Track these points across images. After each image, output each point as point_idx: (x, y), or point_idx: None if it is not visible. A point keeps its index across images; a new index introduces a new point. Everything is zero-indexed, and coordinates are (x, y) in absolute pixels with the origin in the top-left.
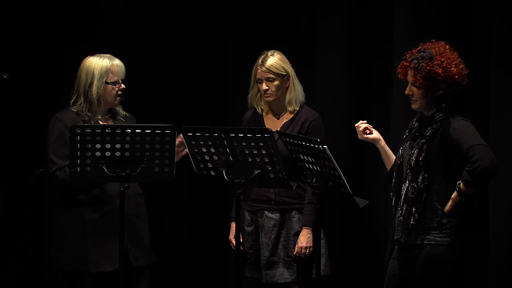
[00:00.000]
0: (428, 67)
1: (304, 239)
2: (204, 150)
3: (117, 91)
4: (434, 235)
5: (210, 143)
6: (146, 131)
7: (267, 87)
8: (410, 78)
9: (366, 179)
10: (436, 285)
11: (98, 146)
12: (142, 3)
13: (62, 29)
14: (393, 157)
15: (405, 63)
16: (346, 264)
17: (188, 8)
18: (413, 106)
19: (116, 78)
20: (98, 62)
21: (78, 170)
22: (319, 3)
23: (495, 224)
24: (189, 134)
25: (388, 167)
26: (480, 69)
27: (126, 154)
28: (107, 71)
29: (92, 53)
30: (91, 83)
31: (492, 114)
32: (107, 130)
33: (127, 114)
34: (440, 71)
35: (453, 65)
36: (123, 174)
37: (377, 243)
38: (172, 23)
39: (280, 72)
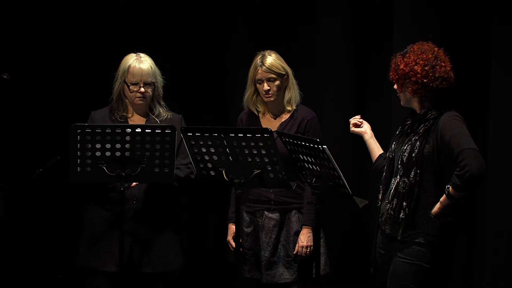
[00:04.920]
0: (394, 61)
1: (305, 238)
2: (204, 150)
3: (135, 93)
4: (419, 232)
5: (210, 143)
6: (146, 131)
7: (268, 88)
8: None
9: (366, 179)
10: (415, 281)
11: (98, 146)
12: (142, 3)
13: (62, 29)
14: (380, 150)
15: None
16: (345, 263)
17: (189, 8)
18: (401, 102)
19: (133, 80)
20: (124, 61)
21: (78, 170)
22: (319, 3)
23: (494, 224)
24: (189, 134)
25: (374, 159)
26: (480, 69)
27: (126, 154)
28: (125, 71)
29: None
30: (116, 80)
31: (492, 113)
32: (107, 130)
33: (170, 115)
34: (402, 67)
35: (420, 65)
36: (123, 174)
37: None
38: (172, 23)
39: (280, 71)
